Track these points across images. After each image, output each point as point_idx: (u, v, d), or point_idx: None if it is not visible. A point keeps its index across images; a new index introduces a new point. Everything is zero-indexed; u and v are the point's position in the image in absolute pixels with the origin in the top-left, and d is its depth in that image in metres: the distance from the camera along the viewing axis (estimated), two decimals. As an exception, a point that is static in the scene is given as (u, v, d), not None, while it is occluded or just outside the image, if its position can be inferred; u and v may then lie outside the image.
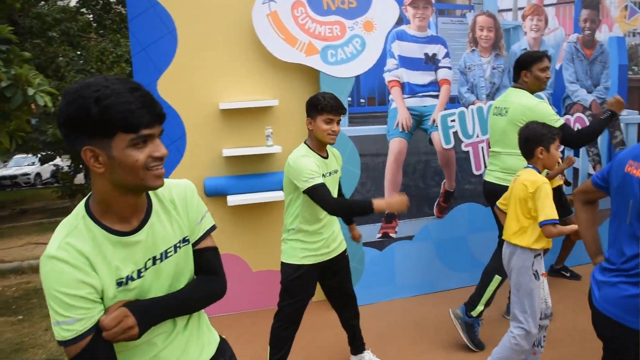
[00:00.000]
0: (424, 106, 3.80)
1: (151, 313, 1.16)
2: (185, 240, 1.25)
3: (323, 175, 2.35)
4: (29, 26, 8.58)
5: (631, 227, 1.57)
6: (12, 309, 4.58)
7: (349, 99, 3.60)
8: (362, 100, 3.67)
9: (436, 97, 3.83)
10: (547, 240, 2.32)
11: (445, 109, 3.85)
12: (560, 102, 4.21)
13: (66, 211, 10.27)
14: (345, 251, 2.60)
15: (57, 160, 12.52)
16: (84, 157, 1.07)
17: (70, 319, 1.05)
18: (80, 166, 11.21)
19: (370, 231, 3.73)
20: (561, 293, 3.66)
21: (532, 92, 2.95)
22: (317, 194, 2.24)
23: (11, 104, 3.56)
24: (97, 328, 1.08)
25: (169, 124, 2.95)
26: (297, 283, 2.42)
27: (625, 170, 1.60)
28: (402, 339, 3.20)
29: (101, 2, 10.33)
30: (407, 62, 3.73)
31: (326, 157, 2.43)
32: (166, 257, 1.20)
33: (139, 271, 1.16)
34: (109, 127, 1.04)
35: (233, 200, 3.41)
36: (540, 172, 2.34)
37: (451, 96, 3.87)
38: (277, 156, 3.62)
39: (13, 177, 16.17)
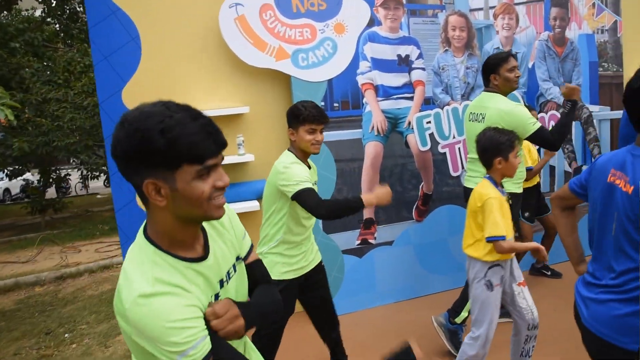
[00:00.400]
0: (399, 108, 3.74)
1: (251, 311, 1.19)
2: (238, 259, 1.27)
3: None
4: (-11, 37, 8.30)
5: (617, 240, 1.47)
6: (-24, 334, 4.34)
7: (322, 103, 3.51)
8: (335, 105, 3.59)
9: (411, 98, 3.78)
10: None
11: (420, 111, 3.80)
12: (534, 100, 4.21)
13: (37, 227, 9.96)
14: (321, 262, 2.51)
15: (27, 175, 12.11)
16: (146, 190, 1.02)
17: (196, 340, 1.02)
18: (51, 180, 10.87)
19: (348, 238, 3.64)
20: (542, 292, 3.63)
21: (505, 93, 2.92)
22: (306, 199, 2.15)
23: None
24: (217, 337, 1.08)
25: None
26: None
27: (609, 180, 1.52)
28: (384, 347, 3.09)
29: (68, 11, 10.06)
30: (380, 64, 3.66)
31: (309, 168, 2.36)
32: (229, 278, 1.21)
33: (217, 295, 1.16)
34: (175, 159, 1.00)
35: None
36: (498, 183, 2.31)
37: (426, 97, 3.82)
38: (249, 165, 3.51)
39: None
